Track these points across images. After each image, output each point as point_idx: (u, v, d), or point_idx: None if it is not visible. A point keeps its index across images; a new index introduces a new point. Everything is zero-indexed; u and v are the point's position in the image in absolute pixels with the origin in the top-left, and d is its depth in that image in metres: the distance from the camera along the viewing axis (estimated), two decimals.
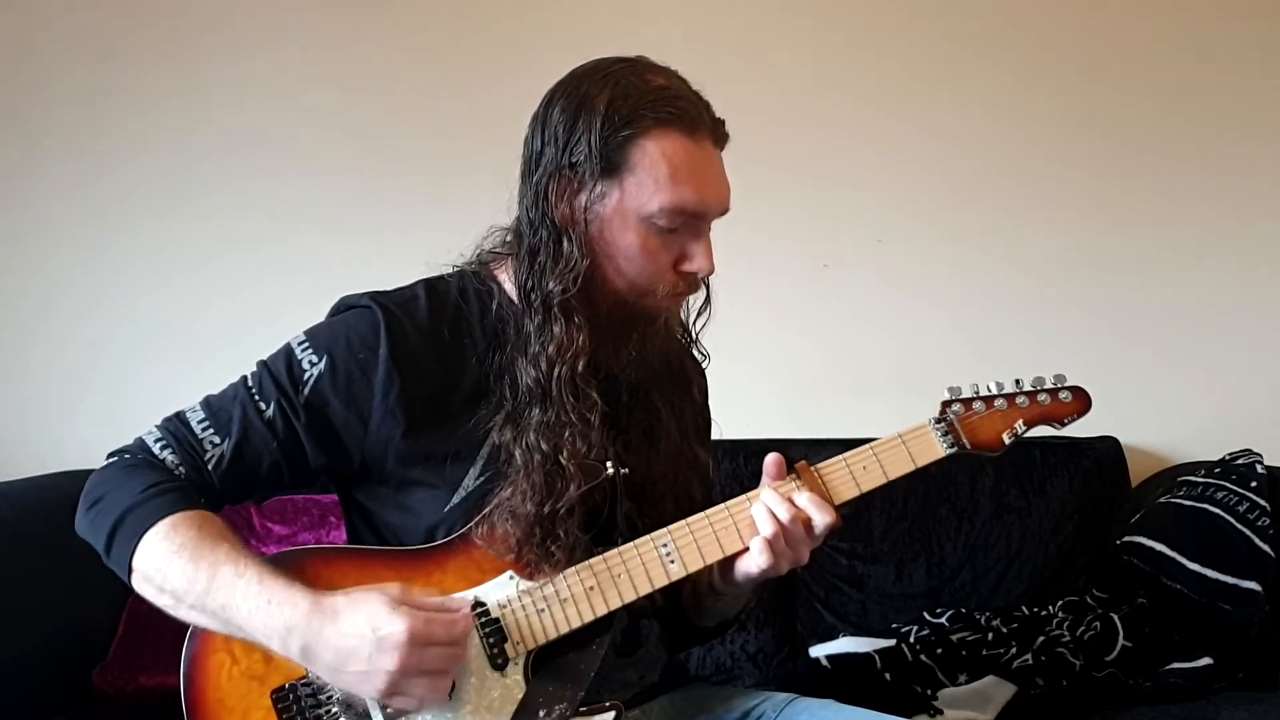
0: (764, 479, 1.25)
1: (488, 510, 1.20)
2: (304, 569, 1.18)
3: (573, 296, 1.20)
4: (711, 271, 1.24)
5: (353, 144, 2.44)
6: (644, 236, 1.20)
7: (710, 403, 1.46)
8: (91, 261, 2.43)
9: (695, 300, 1.31)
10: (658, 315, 1.26)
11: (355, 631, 1.07)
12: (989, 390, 1.26)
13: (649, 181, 1.18)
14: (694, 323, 1.35)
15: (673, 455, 1.32)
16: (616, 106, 1.18)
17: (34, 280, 2.43)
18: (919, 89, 2.44)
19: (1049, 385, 1.26)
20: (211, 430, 1.21)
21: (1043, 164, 2.44)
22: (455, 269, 1.33)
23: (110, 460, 1.22)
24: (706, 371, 1.44)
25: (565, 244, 1.20)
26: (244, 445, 1.21)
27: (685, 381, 1.38)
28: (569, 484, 1.18)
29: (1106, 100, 2.43)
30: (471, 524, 1.20)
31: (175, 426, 1.22)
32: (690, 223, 1.21)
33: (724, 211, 1.24)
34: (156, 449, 1.20)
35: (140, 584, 1.14)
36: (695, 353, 1.39)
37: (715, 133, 1.23)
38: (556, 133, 1.20)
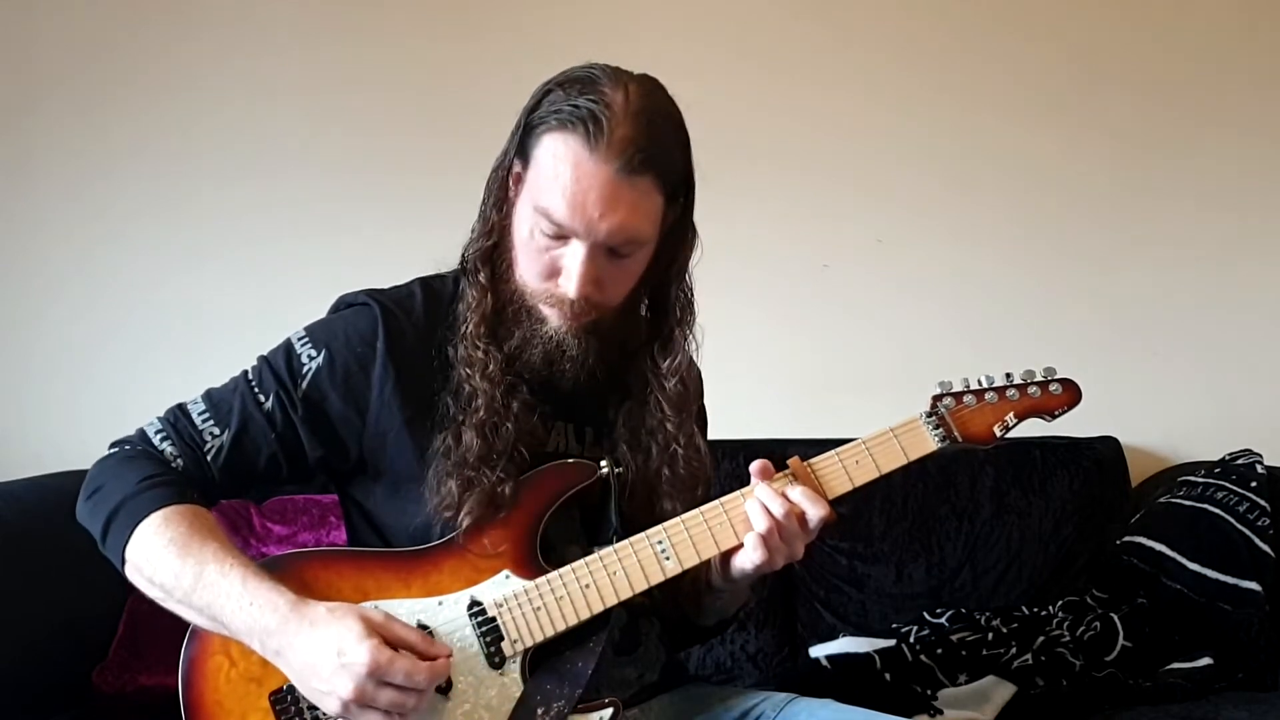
0: (754, 481, 1.24)
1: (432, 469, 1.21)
2: (302, 572, 1.18)
3: (479, 259, 1.24)
4: (573, 294, 1.19)
5: (352, 142, 2.44)
6: (531, 232, 1.20)
7: (709, 402, 1.46)
8: (90, 261, 2.43)
9: (685, 313, 1.31)
10: (544, 320, 1.23)
11: (322, 648, 1.07)
12: (979, 383, 1.26)
13: (535, 177, 1.19)
14: (687, 330, 1.33)
15: (670, 456, 1.31)
16: (551, 98, 1.19)
17: (33, 280, 2.43)
18: (919, 89, 2.44)
19: (1039, 378, 1.27)
20: (211, 422, 1.23)
21: (1043, 164, 2.44)
22: (455, 268, 1.33)
23: (111, 450, 1.24)
24: (705, 371, 1.44)
25: (492, 214, 1.24)
26: (243, 436, 1.22)
27: (683, 382, 1.37)
28: (462, 434, 1.20)
29: (1107, 99, 2.43)
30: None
31: (176, 418, 1.24)
32: (567, 236, 1.18)
33: (591, 235, 1.16)
34: (156, 440, 1.22)
35: (132, 574, 1.16)
36: (693, 353, 1.39)
37: (626, 158, 1.14)
38: (520, 116, 1.23)
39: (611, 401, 1.32)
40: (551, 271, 1.20)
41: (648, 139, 1.16)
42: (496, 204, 1.24)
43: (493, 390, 1.21)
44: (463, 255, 1.27)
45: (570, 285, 1.19)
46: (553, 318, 1.23)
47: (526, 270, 1.22)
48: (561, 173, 1.15)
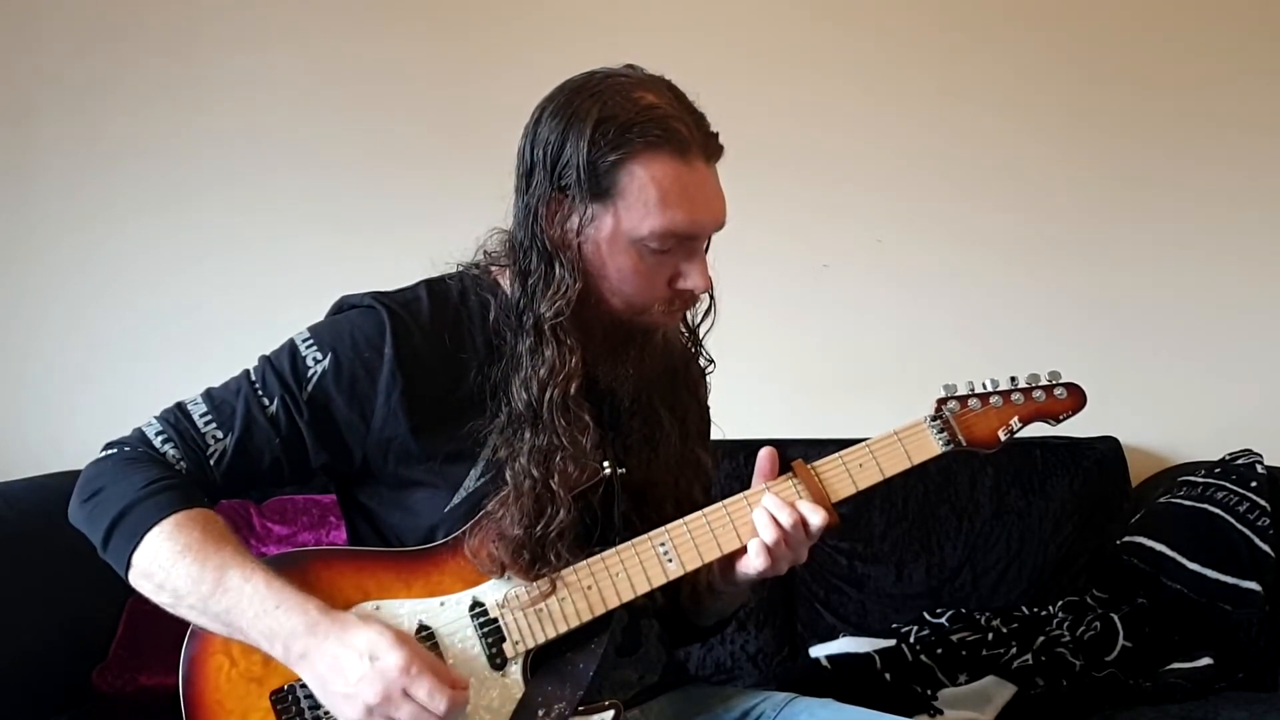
0: (757, 475, 1.25)
1: (477, 518, 1.20)
2: (305, 570, 1.18)
3: (565, 319, 1.19)
4: (706, 289, 1.23)
5: (352, 141, 2.44)
6: (636, 259, 1.19)
7: (710, 403, 1.45)
8: (89, 260, 2.43)
9: (699, 305, 1.31)
10: (655, 330, 1.26)
11: (353, 650, 1.07)
12: (984, 388, 1.26)
13: (639, 206, 1.16)
14: (698, 327, 1.34)
15: (674, 458, 1.31)
16: (604, 129, 1.15)
17: (32, 279, 2.43)
18: (919, 88, 2.44)
19: (1044, 382, 1.27)
20: (214, 424, 1.20)
21: (1043, 163, 2.44)
22: (457, 269, 1.32)
23: (109, 451, 1.20)
24: (708, 372, 1.44)
25: (558, 268, 1.19)
26: (247, 441, 1.20)
27: (690, 384, 1.38)
28: (559, 509, 1.17)
29: (1108, 98, 2.43)
30: (465, 529, 1.20)
31: (176, 418, 1.20)
32: (684, 243, 1.20)
33: (718, 228, 1.23)
34: (157, 442, 1.19)
35: (138, 580, 1.13)
36: (700, 357, 1.39)
37: (707, 149, 1.19)
38: (546, 153, 1.18)
39: (622, 399, 1.30)
40: (672, 277, 1.21)
41: (702, 124, 1.20)
42: (569, 267, 1.18)
43: (578, 474, 1.19)
44: (536, 324, 1.20)
45: (701, 280, 1.21)
46: (661, 320, 1.25)
47: (639, 294, 1.21)
48: (672, 190, 1.16)
